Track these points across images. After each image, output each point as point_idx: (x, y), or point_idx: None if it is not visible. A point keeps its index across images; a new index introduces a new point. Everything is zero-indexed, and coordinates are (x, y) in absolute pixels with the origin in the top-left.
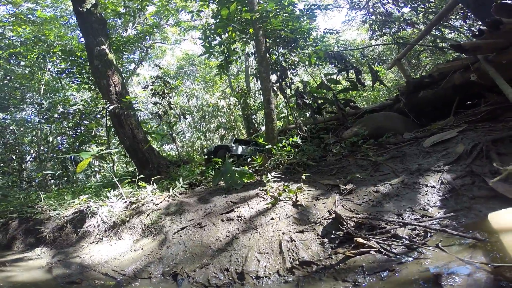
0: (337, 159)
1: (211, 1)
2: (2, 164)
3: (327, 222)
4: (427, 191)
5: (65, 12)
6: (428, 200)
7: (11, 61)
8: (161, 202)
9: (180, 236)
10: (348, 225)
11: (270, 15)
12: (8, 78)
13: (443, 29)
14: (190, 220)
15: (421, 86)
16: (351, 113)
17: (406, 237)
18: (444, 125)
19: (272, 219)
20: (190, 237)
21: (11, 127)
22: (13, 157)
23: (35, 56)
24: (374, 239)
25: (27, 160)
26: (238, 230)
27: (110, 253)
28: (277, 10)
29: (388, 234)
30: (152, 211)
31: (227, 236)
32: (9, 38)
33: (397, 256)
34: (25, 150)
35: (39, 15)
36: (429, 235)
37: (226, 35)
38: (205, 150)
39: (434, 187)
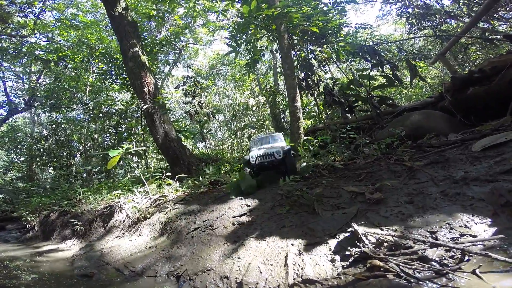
0: (367, 162)
1: (236, 0)
2: (55, 159)
3: (343, 236)
4: (472, 204)
5: (104, 17)
6: (472, 216)
7: (60, 64)
8: (181, 201)
9: (192, 236)
10: (367, 242)
11: (292, 10)
12: (59, 80)
13: (492, 21)
14: (204, 221)
15: (470, 82)
16: (387, 112)
17: (437, 259)
18: (498, 125)
19: (284, 226)
20: (201, 239)
21: (62, 125)
22: (64, 153)
23: (80, 59)
24: (394, 261)
25: (75, 155)
26: (247, 235)
27: (128, 248)
28: (300, 6)
29: (414, 256)
30: (171, 209)
31: (235, 241)
32: (57, 42)
33: (420, 282)
34: (75, 146)
35: (81, 20)
36: (466, 258)
37: (250, 33)
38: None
39: (482, 200)
